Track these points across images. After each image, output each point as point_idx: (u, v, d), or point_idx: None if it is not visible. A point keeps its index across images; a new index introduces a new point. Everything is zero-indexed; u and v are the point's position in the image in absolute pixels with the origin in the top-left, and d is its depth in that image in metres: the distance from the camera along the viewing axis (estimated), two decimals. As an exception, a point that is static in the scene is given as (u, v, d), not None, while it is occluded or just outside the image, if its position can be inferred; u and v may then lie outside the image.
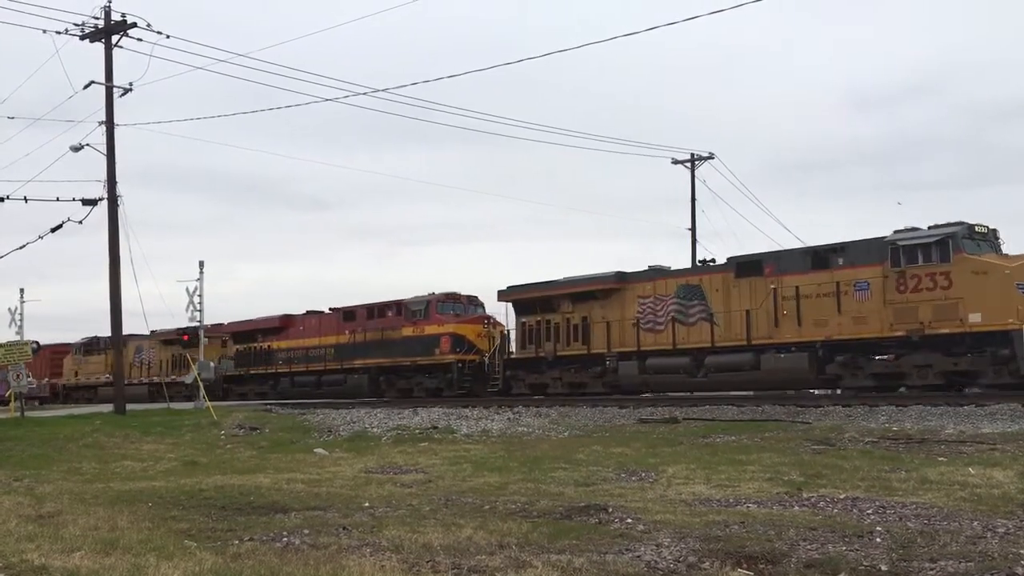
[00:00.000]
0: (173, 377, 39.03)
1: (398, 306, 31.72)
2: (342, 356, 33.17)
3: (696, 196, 41.26)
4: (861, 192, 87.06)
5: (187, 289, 30.68)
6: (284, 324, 36.19)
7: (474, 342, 30.11)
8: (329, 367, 33.65)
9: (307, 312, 35.88)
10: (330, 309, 34.75)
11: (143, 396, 39.05)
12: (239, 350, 37.88)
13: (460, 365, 29.56)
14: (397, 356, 31.28)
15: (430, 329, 30.39)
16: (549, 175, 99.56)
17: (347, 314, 33.63)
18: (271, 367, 36.16)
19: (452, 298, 31.21)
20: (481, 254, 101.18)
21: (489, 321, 30.73)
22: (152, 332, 40.84)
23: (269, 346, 36.41)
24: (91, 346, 45.53)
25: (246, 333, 38.03)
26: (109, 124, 26.79)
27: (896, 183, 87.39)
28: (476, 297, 31.83)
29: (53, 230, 27.72)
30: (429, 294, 31.21)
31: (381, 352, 31.78)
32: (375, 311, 32.56)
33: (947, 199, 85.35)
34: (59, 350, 49.25)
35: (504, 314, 30.12)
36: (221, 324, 39.53)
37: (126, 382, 35.09)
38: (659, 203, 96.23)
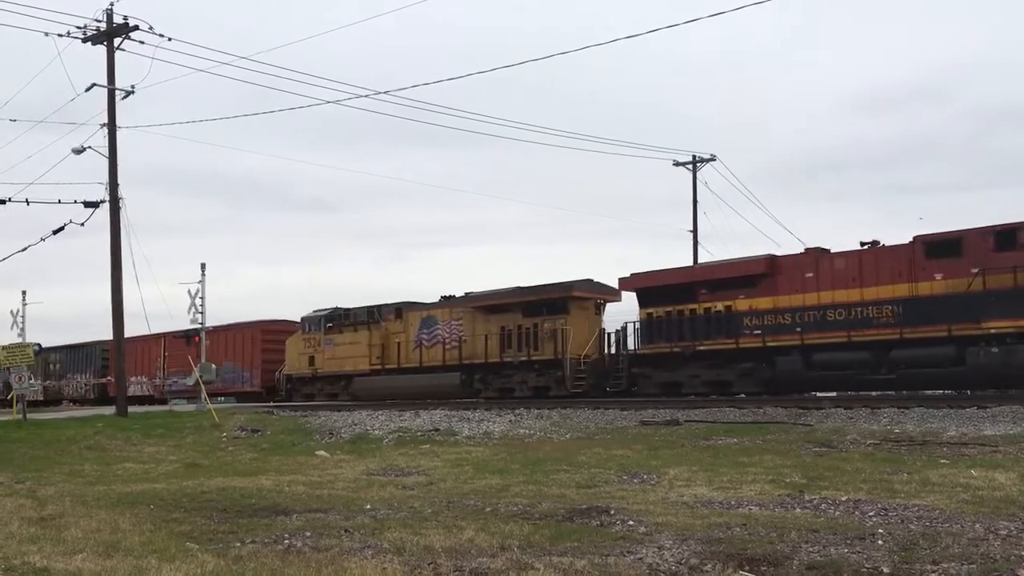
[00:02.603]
0: (521, 358, 27.14)
1: None
2: (936, 316, 19.70)
3: (698, 198, 41.27)
4: (865, 194, 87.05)
5: (189, 291, 30.62)
6: (769, 269, 22.77)
7: None
8: (908, 336, 20.15)
9: (811, 250, 22.79)
10: (863, 243, 21.97)
11: (448, 388, 28.44)
12: (652, 316, 24.63)
13: None
14: None
15: None
16: (551, 177, 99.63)
17: (936, 245, 20.26)
18: (736, 339, 22.86)
19: None
20: (483, 257, 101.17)
21: None
22: (446, 298, 30.25)
23: (730, 307, 23.24)
24: (337, 320, 32.67)
25: (673, 289, 24.30)
26: (111, 126, 26.86)
27: (900, 186, 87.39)
28: None
29: (55, 232, 27.80)
30: None
31: None
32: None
33: (951, 201, 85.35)
34: (274, 328, 37.20)
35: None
36: (586, 280, 27.37)
37: (401, 367, 29.46)
38: (661, 205, 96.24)
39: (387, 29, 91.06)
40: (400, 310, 30.83)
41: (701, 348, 23.30)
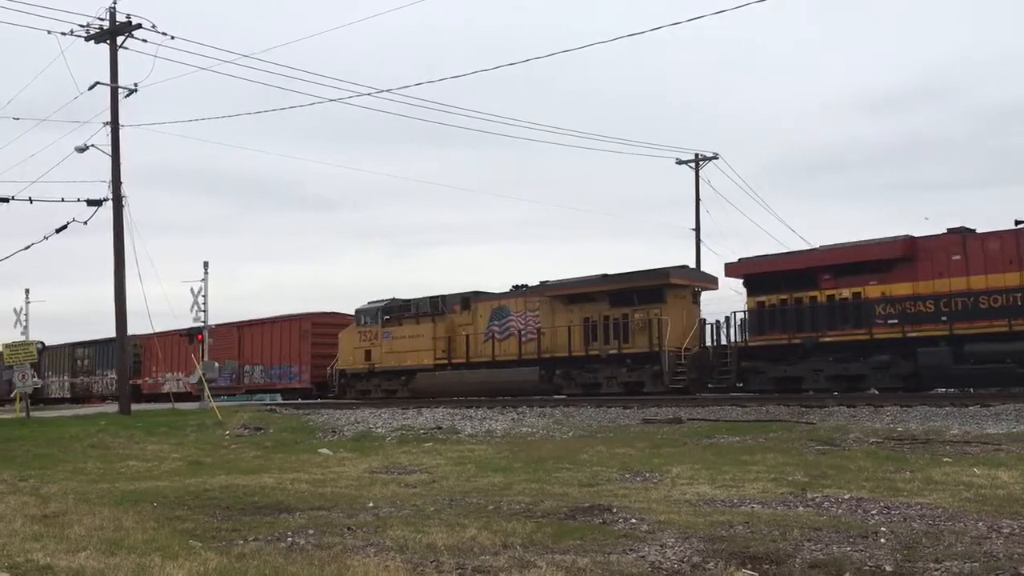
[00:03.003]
0: (610, 351, 24.80)
1: None
2: None
3: (700, 196, 41.30)
4: (869, 193, 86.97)
5: (191, 289, 30.62)
6: (907, 252, 20.69)
7: None
8: None
9: (956, 230, 20.51)
10: (1018, 222, 19.63)
11: (525, 384, 26.30)
12: (764, 304, 22.56)
13: None
14: None
15: None
16: (555, 176, 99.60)
17: None
18: (869, 329, 20.81)
19: None
20: (488, 256, 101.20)
21: None
22: (517, 287, 28.13)
23: (859, 294, 21.18)
24: (395, 312, 30.26)
25: (790, 275, 22.26)
26: (114, 125, 26.86)
27: (903, 184, 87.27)
28: None
29: (58, 231, 27.75)
30: None
31: None
32: None
33: (955, 199, 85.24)
34: (325, 321, 34.70)
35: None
36: (681, 266, 25.64)
37: (471, 361, 27.34)
38: (664, 203, 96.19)
39: (392, 28, 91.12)
40: (468, 300, 28.74)
41: (825, 340, 21.15)
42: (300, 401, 31.57)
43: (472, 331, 28.23)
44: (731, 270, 23.72)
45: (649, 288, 24.65)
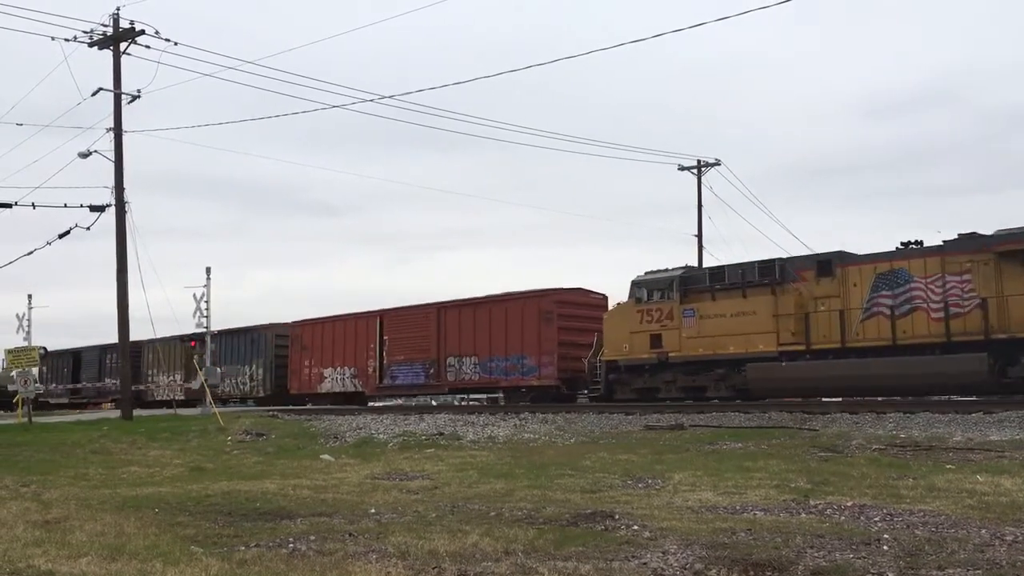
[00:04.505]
0: None
1: None
2: None
3: (703, 202, 41.22)
4: (873, 198, 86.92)
5: (194, 295, 30.58)
6: None
7: None
8: None
9: None
10: None
11: (958, 377, 19.23)
12: None
13: None
14: None
15: None
16: (557, 181, 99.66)
17: None
18: None
19: None
20: (491, 260, 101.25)
21: None
22: (910, 244, 20.86)
23: None
24: (700, 283, 23.48)
25: None
26: (117, 131, 26.90)
27: (909, 189, 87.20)
28: None
29: (61, 236, 27.81)
30: None
31: None
32: None
33: (960, 205, 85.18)
34: (572, 299, 27.42)
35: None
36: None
37: (847, 346, 20.59)
38: (666, 209, 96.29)
39: (394, 33, 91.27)
40: (828, 264, 21.48)
41: None
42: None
43: (841, 305, 21.10)
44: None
45: None
